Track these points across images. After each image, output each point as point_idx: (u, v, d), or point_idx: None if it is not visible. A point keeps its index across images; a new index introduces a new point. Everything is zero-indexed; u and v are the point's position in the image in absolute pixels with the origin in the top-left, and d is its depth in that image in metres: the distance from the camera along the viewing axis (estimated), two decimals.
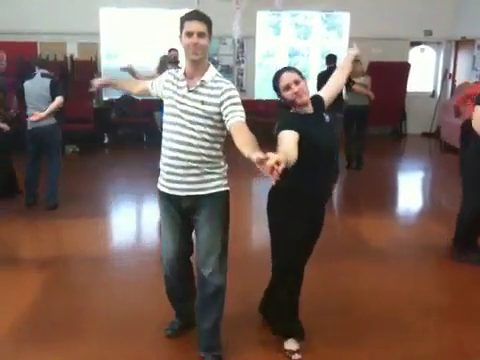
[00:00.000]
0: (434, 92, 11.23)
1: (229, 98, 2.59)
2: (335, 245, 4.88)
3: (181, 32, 2.62)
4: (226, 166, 2.80)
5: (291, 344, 2.97)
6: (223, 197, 2.76)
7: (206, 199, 2.70)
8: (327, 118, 2.90)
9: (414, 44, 10.82)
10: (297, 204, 2.80)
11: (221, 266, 2.75)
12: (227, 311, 2.93)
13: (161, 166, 2.78)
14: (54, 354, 2.98)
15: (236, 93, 2.63)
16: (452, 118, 9.18)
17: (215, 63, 9.38)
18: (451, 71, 10.86)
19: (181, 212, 2.77)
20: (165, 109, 2.74)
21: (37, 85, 5.49)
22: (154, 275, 4.05)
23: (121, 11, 9.80)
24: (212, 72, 2.68)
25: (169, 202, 2.78)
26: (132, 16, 9.87)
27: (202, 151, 2.63)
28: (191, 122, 2.61)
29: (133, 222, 5.61)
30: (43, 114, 5.36)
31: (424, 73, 11.19)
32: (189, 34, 2.58)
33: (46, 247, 4.71)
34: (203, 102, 2.61)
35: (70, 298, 3.66)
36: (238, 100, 2.62)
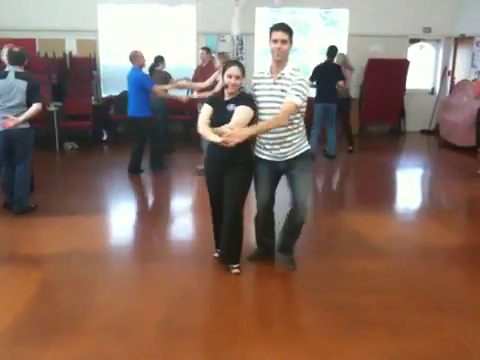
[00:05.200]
0: (433, 89, 11.23)
1: (294, 83, 3.50)
2: (334, 242, 4.88)
3: (269, 39, 3.56)
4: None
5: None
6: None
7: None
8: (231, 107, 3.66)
9: (413, 41, 10.81)
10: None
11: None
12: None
13: (262, 140, 3.73)
14: (55, 351, 2.97)
15: (303, 82, 3.52)
16: (451, 115, 9.20)
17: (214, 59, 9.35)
18: (450, 68, 10.86)
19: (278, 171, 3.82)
20: (260, 102, 3.65)
21: (11, 86, 5.03)
22: (154, 271, 4.06)
23: (119, 7, 9.79)
24: (289, 67, 3.58)
25: (267, 166, 3.76)
26: (131, 12, 9.86)
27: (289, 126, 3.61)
28: (279, 103, 3.53)
29: (132, 219, 5.60)
30: (20, 119, 5.00)
31: (423, 70, 11.19)
32: (275, 41, 3.52)
33: (44, 244, 4.69)
34: (282, 90, 3.53)
35: (69, 295, 3.65)
36: (301, 87, 3.49)
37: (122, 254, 4.47)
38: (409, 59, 10.57)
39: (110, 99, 9.78)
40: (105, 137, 9.48)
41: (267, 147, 3.73)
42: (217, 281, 3.87)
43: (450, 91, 10.56)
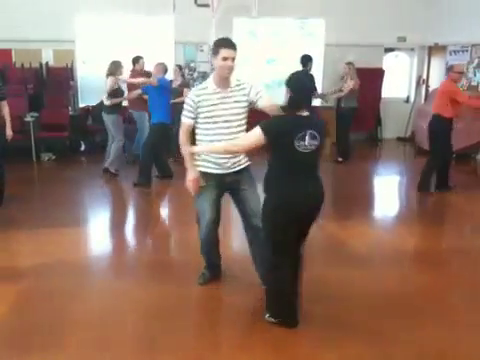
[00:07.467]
0: (408, 97, 11.42)
1: (254, 87, 3.59)
2: (313, 250, 4.91)
3: (215, 55, 3.45)
4: None
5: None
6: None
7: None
8: None
9: (388, 50, 11.00)
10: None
11: None
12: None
13: (207, 155, 3.57)
14: None
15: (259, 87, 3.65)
16: (425, 123, 9.32)
17: (192, 69, 9.41)
18: (424, 77, 11.07)
19: (224, 186, 3.66)
20: (204, 117, 3.52)
21: None
22: (133, 283, 4.03)
23: (97, 17, 9.76)
24: (234, 79, 3.58)
25: (214, 180, 3.61)
26: (108, 22, 9.83)
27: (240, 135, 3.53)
28: (234, 115, 3.52)
29: (110, 230, 5.56)
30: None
31: (398, 79, 11.38)
32: (225, 59, 3.41)
33: (21, 257, 4.62)
34: (236, 101, 3.54)
35: (47, 308, 3.59)
36: (260, 88, 3.63)
37: (102, 266, 4.43)
38: (384, 68, 10.75)
39: (88, 109, 9.70)
40: (83, 147, 9.39)
41: (216, 157, 3.56)
42: (198, 294, 3.85)
43: (425, 99, 10.75)
